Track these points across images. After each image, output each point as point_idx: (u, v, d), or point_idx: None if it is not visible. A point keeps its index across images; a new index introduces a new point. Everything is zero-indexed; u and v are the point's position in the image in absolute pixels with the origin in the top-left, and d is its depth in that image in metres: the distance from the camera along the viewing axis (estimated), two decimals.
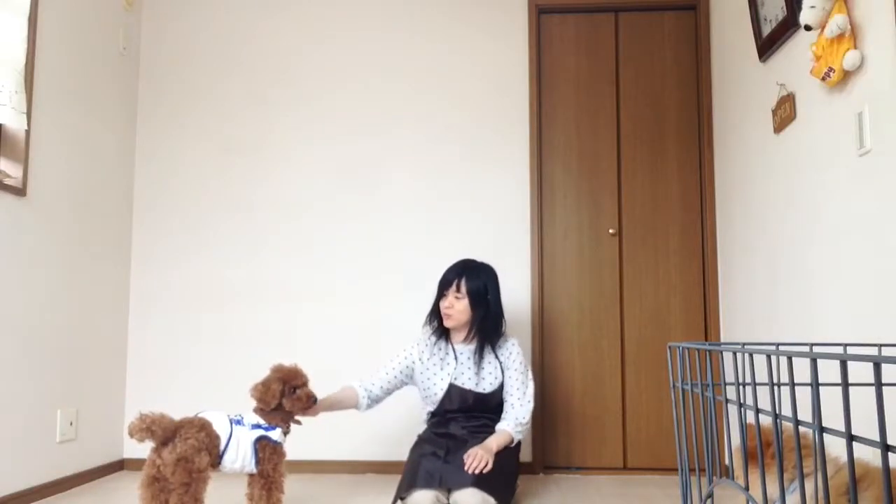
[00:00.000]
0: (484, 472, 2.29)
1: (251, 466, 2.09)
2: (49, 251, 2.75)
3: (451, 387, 2.54)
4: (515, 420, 2.51)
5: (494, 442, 2.42)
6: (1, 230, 2.50)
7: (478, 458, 2.31)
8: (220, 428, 2.04)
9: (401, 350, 2.66)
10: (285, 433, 2.19)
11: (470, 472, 2.28)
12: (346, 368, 3.24)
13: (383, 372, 2.62)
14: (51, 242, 2.76)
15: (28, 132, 2.62)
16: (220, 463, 2.04)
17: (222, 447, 2.02)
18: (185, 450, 1.89)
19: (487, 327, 2.56)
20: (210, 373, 3.27)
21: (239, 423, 2.10)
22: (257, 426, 2.13)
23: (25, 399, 2.61)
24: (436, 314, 2.62)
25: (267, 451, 2.10)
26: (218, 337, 3.29)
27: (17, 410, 2.56)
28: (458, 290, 2.53)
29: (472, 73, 3.34)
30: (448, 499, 2.31)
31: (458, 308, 2.53)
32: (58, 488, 2.75)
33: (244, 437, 2.08)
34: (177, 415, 3.33)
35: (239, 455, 2.05)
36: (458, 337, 2.62)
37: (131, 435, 1.89)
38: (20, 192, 2.58)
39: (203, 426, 1.99)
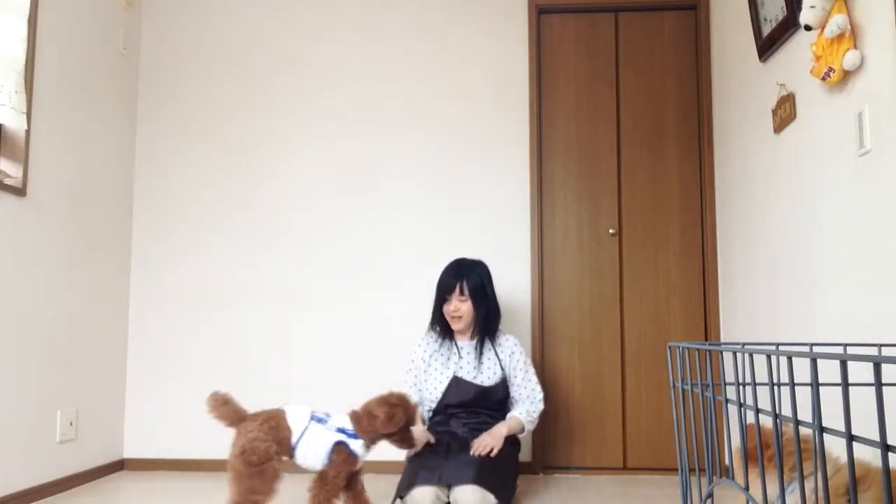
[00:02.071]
0: (491, 454, 2.35)
1: (322, 467, 2.06)
2: (49, 251, 2.75)
3: (454, 378, 2.56)
4: (527, 412, 2.57)
5: (505, 426, 2.47)
6: (1, 230, 2.50)
7: (483, 444, 2.37)
8: (295, 422, 2.04)
9: (410, 357, 2.71)
10: (367, 447, 2.14)
11: (476, 455, 2.34)
12: (346, 367, 3.24)
13: (410, 384, 2.68)
14: (51, 242, 2.76)
15: (28, 132, 2.62)
16: (293, 455, 2.04)
17: (294, 440, 2.02)
18: (245, 443, 1.93)
19: (489, 321, 2.62)
20: (210, 372, 3.27)
21: (321, 421, 2.08)
22: (342, 430, 2.09)
23: (25, 399, 2.61)
24: (438, 319, 2.63)
25: (340, 456, 2.06)
26: (218, 337, 3.29)
27: (17, 410, 2.56)
28: (461, 293, 2.56)
29: (472, 73, 3.34)
30: (448, 496, 2.31)
31: (463, 310, 2.57)
32: (58, 488, 2.75)
33: (321, 436, 2.05)
34: (176, 415, 3.34)
35: (310, 452, 2.04)
36: (461, 335, 2.65)
37: (208, 406, 2.01)
38: (20, 192, 2.58)
39: (269, 418, 2.01)
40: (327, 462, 2.06)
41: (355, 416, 2.13)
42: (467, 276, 2.57)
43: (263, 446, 1.95)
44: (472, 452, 2.37)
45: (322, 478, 2.06)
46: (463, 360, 2.61)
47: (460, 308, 2.56)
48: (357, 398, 3.20)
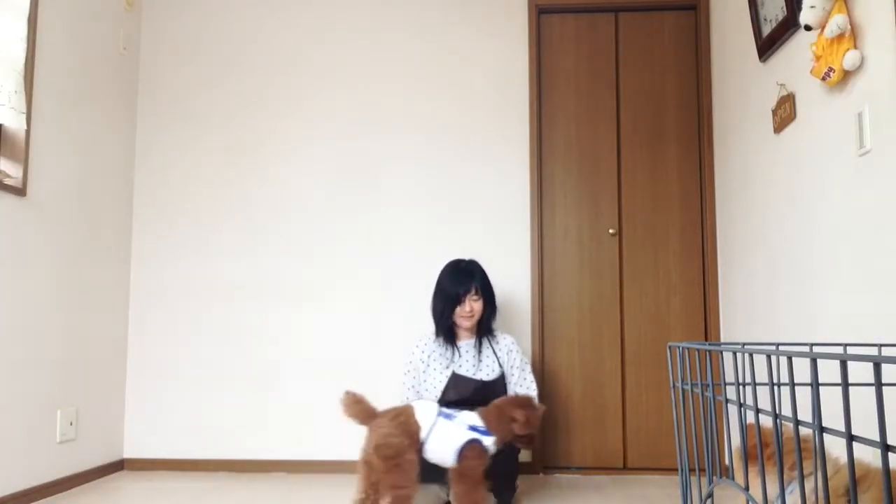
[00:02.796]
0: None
1: (452, 462, 2.10)
2: (49, 251, 2.75)
3: (453, 375, 2.57)
4: None
5: None
6: (1, 230, 2.50)
7: None
8: (423, 417, 2.09)
9: (407, 359, 2.68)
10: (496, 444, 2.17)
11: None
12: (347, 366, 3.24)
13: (409, 386, 2.65)
14: (51, 242, 2.76)
15: (28, 132, 2.62)
16: (422, 450, 2.08)
17: (424, 435, 2.06)
18: (378, 439, 1.99)
19: (491, 318, 2.65)
20: (210, 372, 3.27)
21: (449, 417, 2.12)
22: (474, 428, 2.12)
23: (25, 399, 2.61)
24: (444, 325, 2.61)
25: (474, 453, 2.09)
26: (218, 336, 3.29)
27: (17, 410, 2.56)
28: (475, 293, 2.57)
29: (472, 73, 3.34)
30: (448, 494, 2.32)
31: (476, 309, 2.59)
32: (58, 488, 2.75)
33: (452, 432, 2.09)
34: (176, 415, 3.34)
35: (440, 448, 2.08)
36: (465, 333, 2.64)
37: (342, 405, 2.07)
38: (20, 192, 2.58)
39: (398, 414, 2.06)
40: (457, 458, 2.09)
41: (486, 415, 2.18)
42: (477, 276, 2.59)
43: (396, 441, 2.00)
44: None
45: (461, 476, 2.09)
46: (462, 357, 2.62)
47: (474, 308, 2.58)
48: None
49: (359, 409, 2.08)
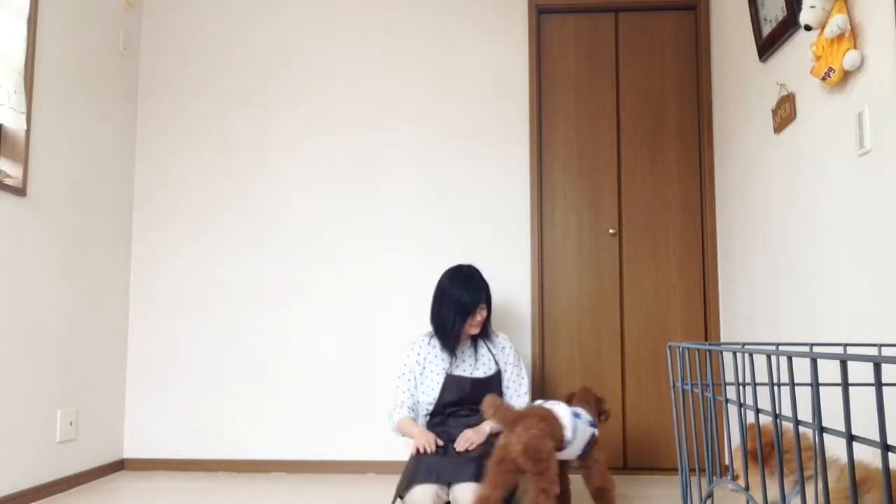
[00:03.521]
0: (470, 450, 2.38)
1: (577, 456, 2.26)
2: (49, 251, 2.75)
3: (448, 377, 2.56)
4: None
5: (488, 424, 2.48)
6: (1, 230, 2.50)
7: (467, 439, 2.40)
8: (565, 418, 2.20)
9: (402, 362, 2.66)
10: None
11: (459, 450, 2.37)
12: (346, 365, 3.24)
13: (404, 389, 2.63)
14: (51, 242, 2.76)
15: (28, 132, 2.62)
16: (562, 449, 2.17)
17: (569, 436, 2.16)
18: (528, 440, 2.03)
19: (489, 321, 2.66)
20: (210, 372, 3.27)
21: (578, 416, 2.26)
22: (593, 424, 2.33)
23: (25, 399, 2.61)
24: (455, 336, 2.58)
25: (595, 446, 2.32)
26: (218, 336, 3.29)
27: (17, 410, 2.56)
28: (484, 302, 2.58)
29: (472, 72, 3.34)
30: (448, 494, 2.32)
31: (483, 317, 2.60)
32: (58, 488, 2.75)
33: (582, 430, 2.24)
34: (176, 415, 3.34)
35: (576, 445, 2.21)
36: (463, 337, 2.64)
37: (489, 410, 2.11)
38: (20, 192, 2.58)
39: (543, 417, 2.13)
40: (582, 452, 2.26)
41: (590, 409, 2.38)
42: (485, 288, 2.60)
43: (547, 443, 2.07)
44: (454, 446, 2.38)
45: (589, 462, 2.28)
46: (458, 359, 2.62)
47: (483, 316, 2.59)
48: (357, 396, 3.21)
49: (505, 412, 2.14)
